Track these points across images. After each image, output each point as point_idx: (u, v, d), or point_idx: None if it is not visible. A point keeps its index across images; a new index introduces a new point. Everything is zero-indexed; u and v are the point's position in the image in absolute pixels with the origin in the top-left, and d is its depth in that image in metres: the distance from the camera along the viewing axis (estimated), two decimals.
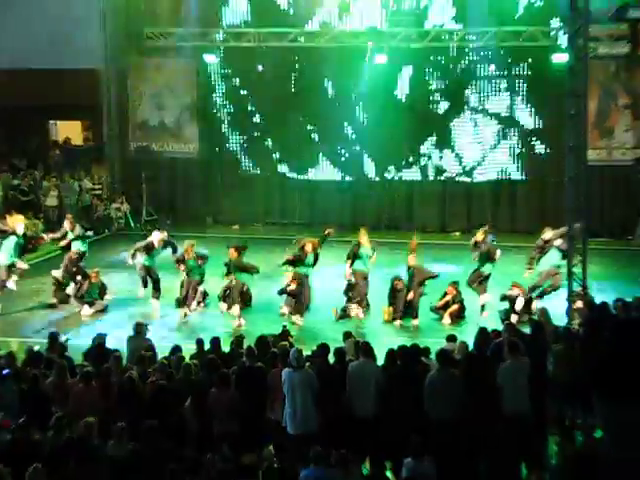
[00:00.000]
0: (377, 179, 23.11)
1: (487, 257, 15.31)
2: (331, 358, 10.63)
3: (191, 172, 24.22)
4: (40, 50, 22.83)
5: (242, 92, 23.14)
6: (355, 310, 15.70)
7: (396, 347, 10.52)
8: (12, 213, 18.04)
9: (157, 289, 16.59)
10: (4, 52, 23.49)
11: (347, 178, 23.23)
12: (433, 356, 11.11)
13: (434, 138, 22.52)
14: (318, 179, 23.41)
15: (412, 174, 22.99)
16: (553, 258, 15.37)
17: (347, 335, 12.22)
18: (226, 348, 11.79)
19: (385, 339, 14.06)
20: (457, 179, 22.77)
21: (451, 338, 11.95)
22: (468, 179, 22.74)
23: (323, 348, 10.64)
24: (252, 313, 16.01)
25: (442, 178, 22.75)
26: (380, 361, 10.48)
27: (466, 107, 22.27)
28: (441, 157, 22.69)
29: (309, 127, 23.14)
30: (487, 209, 22.69)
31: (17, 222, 16.85)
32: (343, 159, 23.03)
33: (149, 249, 16.63)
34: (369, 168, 23.06)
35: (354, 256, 15.70)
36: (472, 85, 22.16)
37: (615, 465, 8.92)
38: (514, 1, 20.81)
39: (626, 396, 9.89)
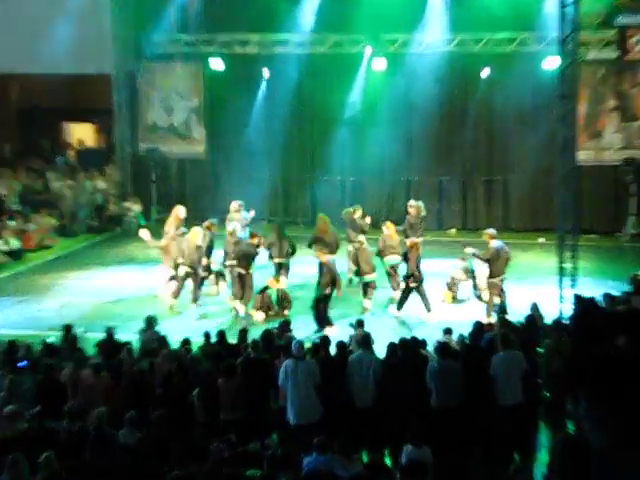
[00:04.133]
0: (375, 179, 23.11)
1: None
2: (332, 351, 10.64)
3: (199, 173, 24.19)
4: (55, 56, 22.91)
5: (247, 96, 23.09)
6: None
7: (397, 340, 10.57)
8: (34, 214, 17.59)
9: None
10: (21, 57, 23.73)
11: (350, 178, 23.30)
12: (430, 347, 11.15)
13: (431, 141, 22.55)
14: (320, 179, 23.38)
15: (410, 173, 22.98)
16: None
17: (359, 324, 12.24)
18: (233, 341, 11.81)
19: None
20: (451, 179, 22.78)
21: (447, 331, 11.95)
22: (463, 177, 22.76)
23: (324, 340, 10.64)
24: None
25: (441, 178, 22.76)
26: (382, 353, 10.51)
27: (462, 111, 22.29)
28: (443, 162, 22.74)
29: (311, 130, 23.20)
30: (482, 207, 22.71)
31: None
32: (343, 160, 23.02)
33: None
34: (366, 168, 23.06)
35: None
36: (468, 90, 22.19)
37: (607, 456, 8.93)
38: (506, 9, 20.80)
39: (612, 397, 9.91)
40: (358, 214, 17.33)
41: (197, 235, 16.07)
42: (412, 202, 18.07)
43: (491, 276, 14.99)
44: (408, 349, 10.38)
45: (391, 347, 10.46)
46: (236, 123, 23.36)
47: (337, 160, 23.01)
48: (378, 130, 22.65)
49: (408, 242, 15.86)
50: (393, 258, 16.09)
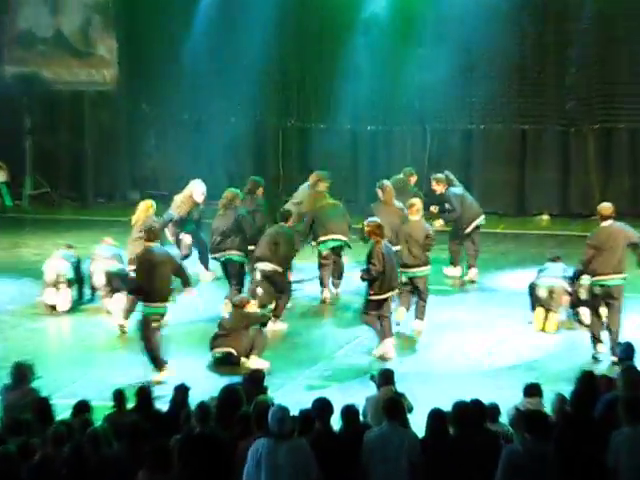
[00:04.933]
0: (410, 128, 23.24)
1: None
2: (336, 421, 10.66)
3: (106, 115, 24.26)
4: None
5: None
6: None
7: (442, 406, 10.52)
8: None
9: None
10: None
11: (367, 127, 23.50)
12: (505, 418, 11.15)
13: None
14: (316, 128, 23.55)
15: (470, 118, 23.21)
16: None
17: (385, 378, 12.19)
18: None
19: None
20: (541, 127, 22.89)
21: (532, 390, 11.89)
22: (562, 126, 22.81)
23: (322, 405, 10.63)
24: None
25: (523, 126, 22.87)
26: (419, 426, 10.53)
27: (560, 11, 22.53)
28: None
29: (300, 45, 23.52)
30: (593, 177, 22.76)
31: None
32: (355, 97, 23.05)
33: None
34: (395, 111, 23.15)
35: None
36: None
37: None
38: None
39: None
40: (413, 181, 18.79)
41: (147, 209, 17.27)
42: (438, 175, 18.99)
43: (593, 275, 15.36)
44: (467, 422, 10.36)
45: (436, 418, 10.41)
46: (170, 32, 23.42)
47: (345, 97, 23.11)
48: (416, 46, 22.72)
49: (366, 224, 16.34)
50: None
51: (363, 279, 15.90)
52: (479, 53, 22.73)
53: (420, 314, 16.85)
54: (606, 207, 15.58)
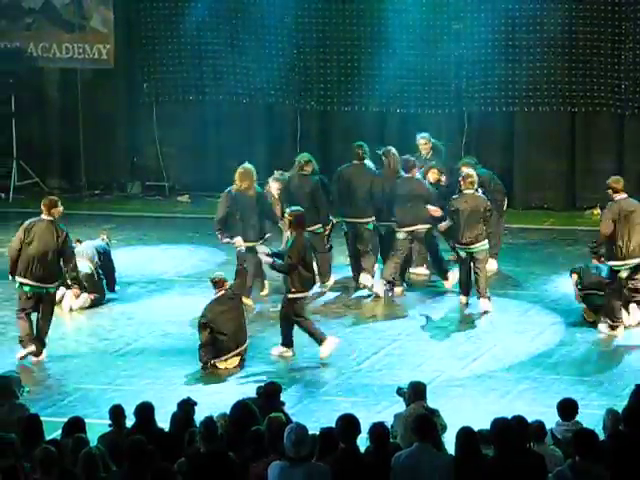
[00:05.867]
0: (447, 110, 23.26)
1: None
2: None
3: (101, 96, 24.34)
4: None
5: None
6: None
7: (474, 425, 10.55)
8: None
9: None
10: None
11: (397, 110, 23.59)
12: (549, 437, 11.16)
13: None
14: (338, 111, 23.72)
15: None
16: None
17: (416, 392, 12.21)
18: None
19: None
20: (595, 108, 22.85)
21: (566, 410, 11.83)
22: (617, 109, 22.76)
23: (348, 424, 10.65)
24: None
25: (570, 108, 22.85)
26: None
27: None
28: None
29: (319, 19, 23.48)
30: None
31: None
32: (382, 79, 23.09)
33: None
34: (432, 90, 23.18)
35: None
36: None
37: None
38: None
39: None
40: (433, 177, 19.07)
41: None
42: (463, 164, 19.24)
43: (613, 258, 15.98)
44: (508, 442, 10.34)
45: (465, 438, 10.40)
46: (174, 2, 23.54)
47: (372, 76, 23.23)
48: (451, 18, 22.82)
49: (288, 214, 16.73)
50: None
51: (272, 268, 16.74)
52: (523, 25, 22.69)
53: (484, 293, 17.48)
54: (616, 181, 16.50)
